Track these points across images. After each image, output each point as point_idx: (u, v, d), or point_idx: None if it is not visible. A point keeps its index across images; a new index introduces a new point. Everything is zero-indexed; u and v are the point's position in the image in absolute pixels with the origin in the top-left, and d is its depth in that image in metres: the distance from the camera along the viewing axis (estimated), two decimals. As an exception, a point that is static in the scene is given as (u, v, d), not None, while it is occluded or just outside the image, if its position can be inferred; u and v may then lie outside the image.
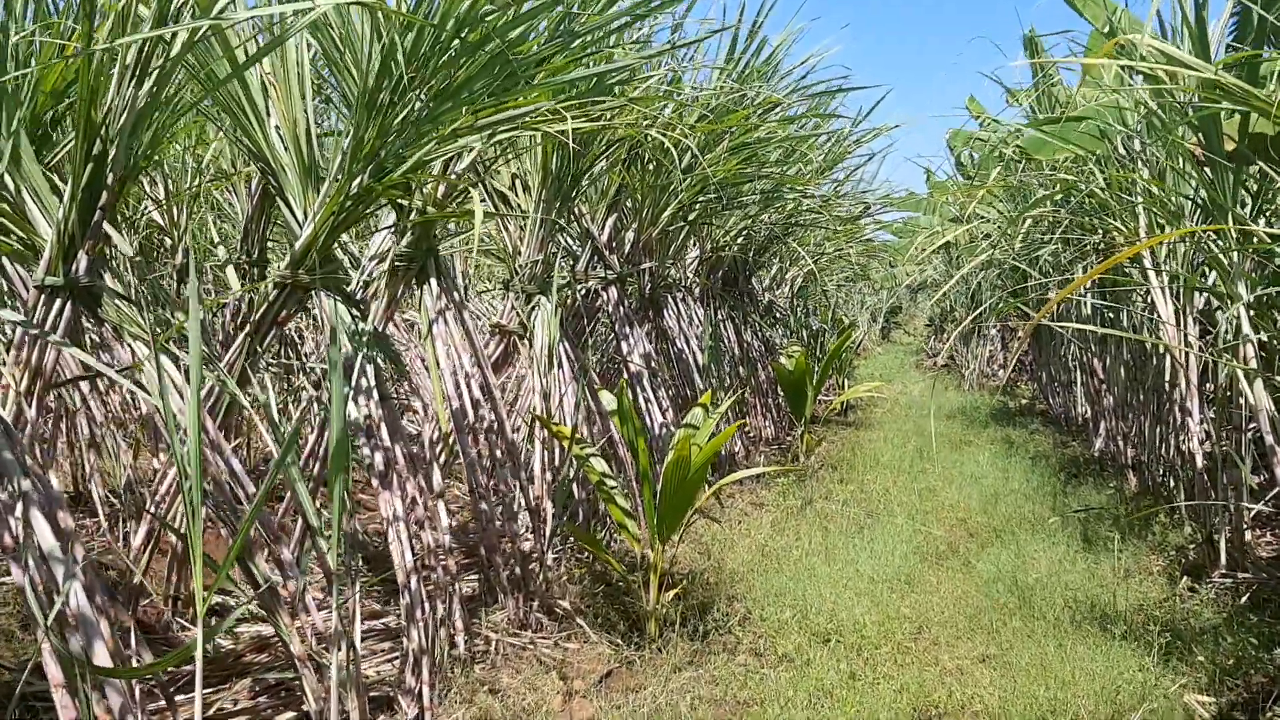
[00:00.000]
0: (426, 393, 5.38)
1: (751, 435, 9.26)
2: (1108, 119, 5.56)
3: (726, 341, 8.85)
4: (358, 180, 3.49)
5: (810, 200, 9.22)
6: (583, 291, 6.22)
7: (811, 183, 8.93)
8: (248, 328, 3.69)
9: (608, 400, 4.62)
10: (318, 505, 3.58)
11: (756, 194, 7.69)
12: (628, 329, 6.25)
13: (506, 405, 5.73)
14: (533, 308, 5.15)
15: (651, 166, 6.19)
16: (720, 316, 8.82)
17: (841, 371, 12.60)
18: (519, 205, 5.27)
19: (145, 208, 6.38)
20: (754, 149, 6.58)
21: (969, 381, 14.34)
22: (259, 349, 3.72)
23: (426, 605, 3.51)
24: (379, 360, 3.74)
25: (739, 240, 8.86)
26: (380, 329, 4.29)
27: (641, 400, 6.20)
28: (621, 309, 6.27)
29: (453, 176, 4.15)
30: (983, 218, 10.51)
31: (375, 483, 3.46)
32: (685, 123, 6.04)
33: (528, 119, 3.44)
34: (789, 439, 9.47)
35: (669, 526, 4.26)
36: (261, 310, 3.68)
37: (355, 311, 3.71)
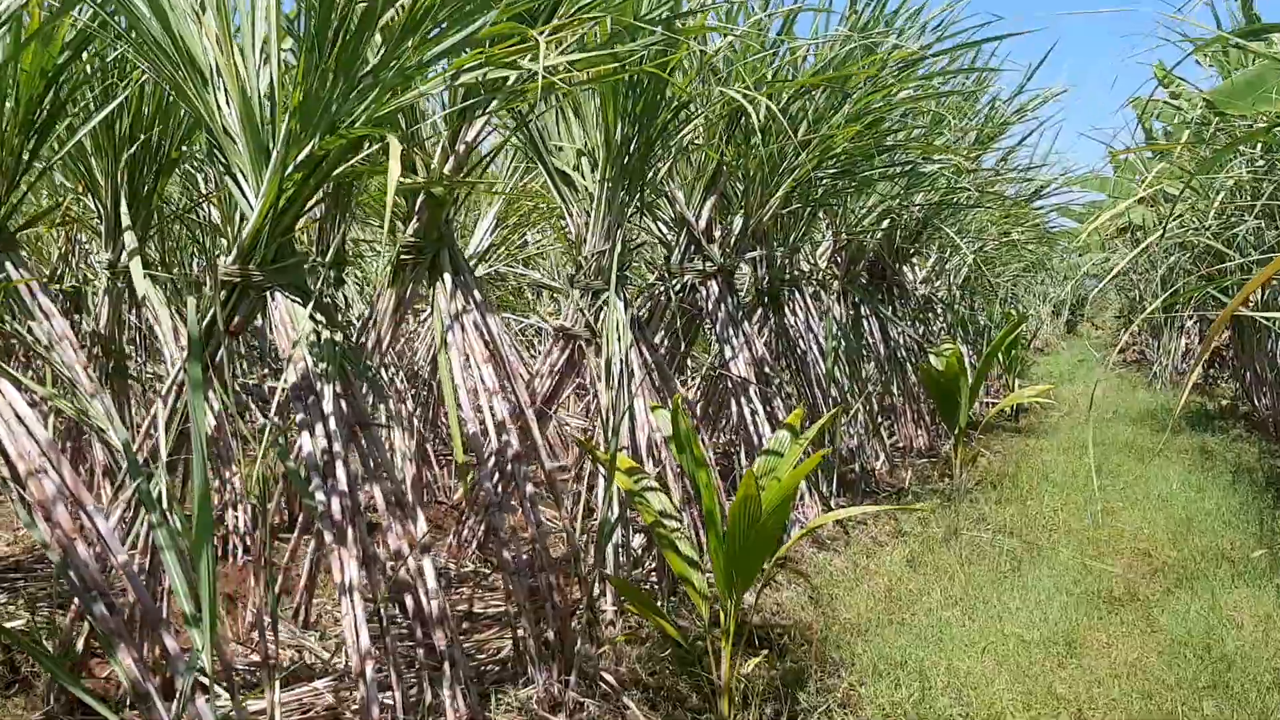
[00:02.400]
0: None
1: (901, 446, 8.21)
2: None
3: (870, 341, 7.83)
4: (309, 146, 2.72)
5: (967, 177, 8.06)
6: (677, 287, 5.34)
7: (969, 156, 7.81)
8: (192, 339, 2.96)
9: (662, 421, 3.74)
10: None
11: (895, 169, 6.62)
12: (730, 330, 5.34)
13: (579, 423, 4.92)
14: (601, 306, 4.32)
15: (756, 140, 5.25)
16: (863, 312, 7.79)
17: (1012, 371, 11.35)
18: (585, 187, 4.44)
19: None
20: (882, 112, 5.55)
21: (1160, 380, 12.81)
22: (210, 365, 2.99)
23: (397, 694, 2.71)
24: (352, 378, 2.96)
25: (882, 225, 7.78)
26: (387, 338, 3.53)
27: (748, 413, 5.28)
28: (724, 307, 5.36)
29: (461, 147, 3.34)
30: (1171, 196, 9.17)
31: (328, 538, 2.67)
32: (803, 76, 5.09)
33: (496, 54, 2.58)
34: (945, 448, 8.37)
35: (742, 579, 3.35)
36: (209, 315, 2.95)
37: (320, 316, 2.94)
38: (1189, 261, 9.51)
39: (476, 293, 3.51)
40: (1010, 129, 8.56)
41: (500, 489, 3.46)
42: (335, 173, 2.83)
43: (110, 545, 2.27)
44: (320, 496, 2.72)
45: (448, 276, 3.46)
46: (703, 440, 4.59)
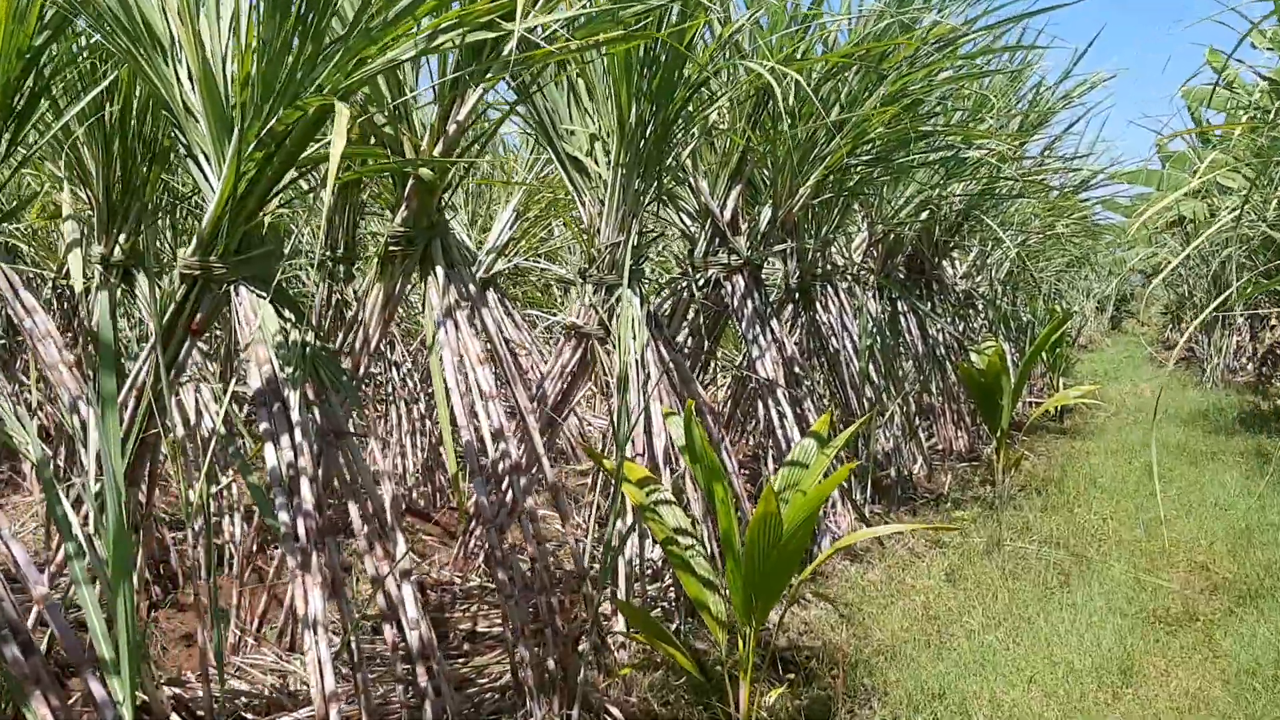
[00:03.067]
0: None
1: (940, 448, 7.84)
2: None
3: (908, 338, 7.45)
4: (270, 122, 2.42)
5: (1011, 166, 7.65)
6: (701, 282, 5.02)
7: (1013, 144, 7.41)
8: (151, 339, 2.68)
9: (674, 430, 3.42)
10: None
11: (934, 156, 6.24)
12: (757, 328, 5.01)
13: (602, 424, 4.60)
14: (615, 302, 4.01)
15: (785, 124, 4.92)
16: (901, 309, 7.42)
17: (1056, 369, 10.92)
18: (598, 174, 4.13)
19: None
20: (921, 93, 5.19)
21: (1211, 378, 12.33)
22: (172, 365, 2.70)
23: (369, 740, 2.42)
24: (326, 384, 2.67)
25: (921, 216, 7.38)
26: (375, 337, 3.23)
27: (775, 416, 4.95)
28: (751, 303, 5.03)
29: (452, 126, 3.03)
30: (1225, 189, 8.75)
31: (291, 564, 2.38)
32: (835, 53, 4.75)
33: (475, 10, 2.27)
34: (986, 451, 7.99)
35: (762, 604, 3.02)
36: (169, 313, 2.67)
37: (287, 314, 2.65)
38: (1244, 255, 9.08)
39: (472, 287, 3.20)
40: (1056, 115, 8.16)
41: (498, 502, 3.15)
42: (304, 155, 2.54)
43: (28, 575, 1.98)
44: (284, 516, 2.43)
45: (440, 269, 3.16)
46: (726, 447, 4.27)
